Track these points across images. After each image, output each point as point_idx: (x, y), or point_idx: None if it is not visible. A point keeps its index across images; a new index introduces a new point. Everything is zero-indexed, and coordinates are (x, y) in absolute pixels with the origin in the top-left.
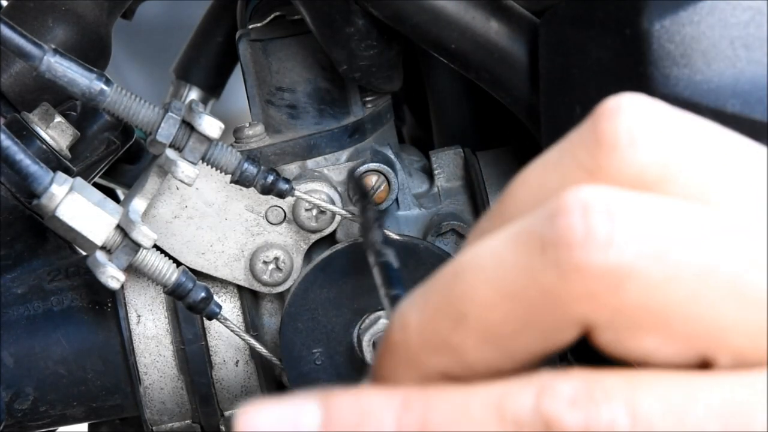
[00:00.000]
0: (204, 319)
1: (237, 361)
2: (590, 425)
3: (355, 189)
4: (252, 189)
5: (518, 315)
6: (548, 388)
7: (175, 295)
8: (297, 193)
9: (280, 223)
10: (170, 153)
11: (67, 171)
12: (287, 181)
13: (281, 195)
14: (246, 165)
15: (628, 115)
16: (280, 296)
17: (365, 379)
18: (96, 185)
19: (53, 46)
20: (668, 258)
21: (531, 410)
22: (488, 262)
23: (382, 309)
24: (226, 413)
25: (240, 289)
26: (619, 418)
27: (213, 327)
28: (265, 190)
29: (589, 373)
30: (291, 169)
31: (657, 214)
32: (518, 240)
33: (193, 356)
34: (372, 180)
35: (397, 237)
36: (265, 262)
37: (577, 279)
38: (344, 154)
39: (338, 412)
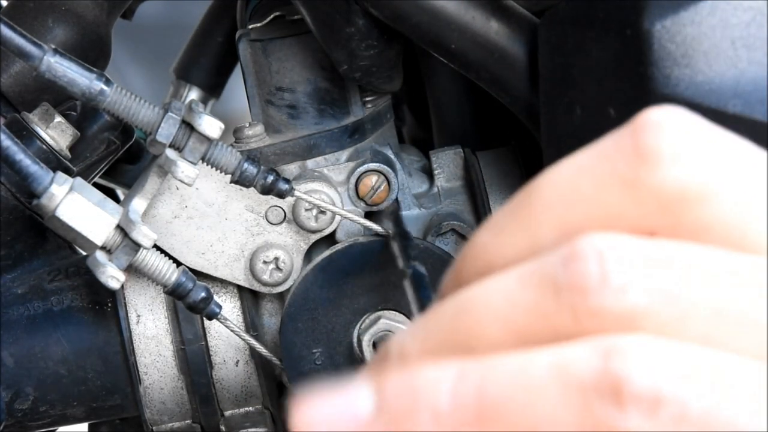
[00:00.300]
0: (204, 319)
1: (237, 361)
2: (662, 390)
3: (392, 220)
4: (252, 189)
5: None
6: (617, 348)
7: (175, 295)
8: (297, 193)
9: (280, 223)
10: (170, 153)
11: (67, 171)
12: (287, 181)
13: (281, 195)
14: (246, 165)
15: (672, 130)
16: (280, 296)
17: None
18: (96, 185)
19: (53, 46)
20: (680, 300)
21: (598, 372)
22: (499, 301)
23: (383, 309)
24: (226, 413)
25: (240, 289)
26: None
27: (213, 327)
28: (265, 190)
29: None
30: (291, 169)
31: (670, 260)
32: (531, 281)
33: (193, 356)
34: (372, 180)
35: None
36: (265, 262)
37: (592, 322)
38: (344, 154)
39: (391, 392)
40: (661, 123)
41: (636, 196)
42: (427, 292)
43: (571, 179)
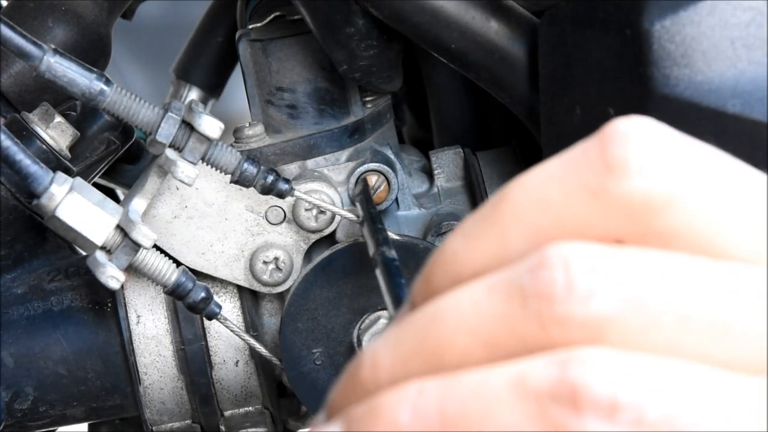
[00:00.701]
0: (204, 319)
1: (237, 361)
2: (619, 395)
3: (359, 190)
4: (252, 189)
5: (495, 363)
6: (574, 358)
7: (175, 295)
8: (297, 193)
9: (280, 223)
10: (170, 153)
11: (67, 171)
12: (287, 181)
13: (281, 195)
14: (246, 165)
15: (638, 140)
16: (280, 296)
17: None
18: (96, 185)
19: (53, 46)
20: (647, 307)
21: (554, 381)
22: (467, 311)
23: (383, 309)
24: (226, 413)
25: (240, 289)
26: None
27: (213, 327)
28: (265, 190)
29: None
30: (291, 169)
31: (636, 267)
32: (499, 290)
33: (193, 356)
34: (372, 180)
35: (397, 237)
36: (265, 262)
37: (558, 330)
38: (344, 154)
39: (355, 419)
40: (628, 133)
41: (603, 206)
42: (398, 279)
43: (540, 188)
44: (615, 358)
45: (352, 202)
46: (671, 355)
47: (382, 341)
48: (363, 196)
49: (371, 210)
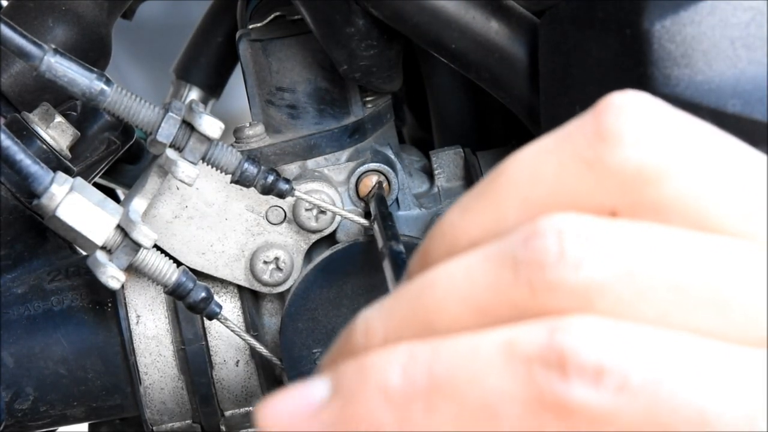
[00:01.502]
0: (204, 319)
1: (237, 361)
2: (605, 360)
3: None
4: (252, 189)
5: (485, 329)
6: (563, 325)
7: (175, 295)
8: (297, 193)
9: (281, 223)
10: (170, 153)
11: (67, 171)
12: (287, 181)
13: (281, 195)
14: (246, 165)
15: (633, 112)
16: (281, 296)
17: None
18: (96, 185)
19: (53, 46)
20: (637, 277)
21: (542, 346)
22: (460, 279)
23: None
24: (227, 413)
25: (240, 289)
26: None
27: (213, 327)
28: (266, 190)
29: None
30: (291, 169)
31: (628, 237)
32: (492, 258)
33: (193, 356)
34: (372, 180)
35: None
36: (265, 262)
37: (548, 296)
38: (344, 154)
39: (344, 376)
40: (623, 105)
41: (597, 176)
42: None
43: (535, 160)
44: (603, 325)
45: (353, 202)
46: (661, 325)
47: (376, 308)
48: (377, 195)
49: (383, 208)
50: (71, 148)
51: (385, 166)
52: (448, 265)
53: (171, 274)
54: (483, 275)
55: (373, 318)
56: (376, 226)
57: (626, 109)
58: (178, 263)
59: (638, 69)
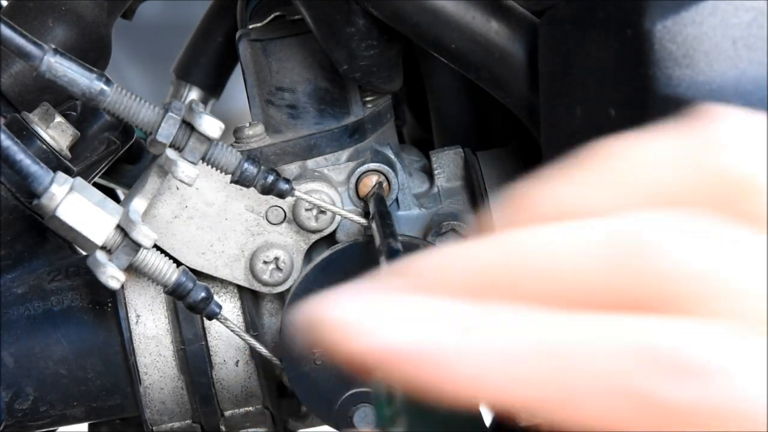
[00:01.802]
0: (204, 319)
1: (237, 361)
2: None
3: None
4: (252, 189)
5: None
6: (685, 329)
7: (175, 295)
8: (297, 193)
9: (281, 223)
10: (170, 153)
11: (67, 171)
12: (287, 181)
13: (281, 195)
14: (246, 165)
15: (743, 124)
16: (281, 296)
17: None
18: (96, 185)
19: (53, 46)
20: (737, 285)
21: (670, 349)
22: (564, 250)
23: None
24: (227, 413)
25: (240, 289)
26: None
27: (213, 327)
28: (265, 190)
29: None
30: (291, 169)
31: (743, 250)
32: (602, 238)
33: (193, 356)
34: (372, 180)
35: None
36: (265, 262)
37: (660, 288)
38: (344, 154)
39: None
40: (732, 117)
41: (705, 177)
42: None
43: (643, 150)
44: (722, 333)
45: (353, 202)
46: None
47: (444, 251)
48: (376, 194)
49: (381, 207)
50: (71, 148)
51: (385, 166)
52: (552, 231)
53: (171, 274)
54: (591, 255)
55: (441, 262)
56: (374, 224)
57: (736, 121)
58: (178, 263)
59: (639, 69)
